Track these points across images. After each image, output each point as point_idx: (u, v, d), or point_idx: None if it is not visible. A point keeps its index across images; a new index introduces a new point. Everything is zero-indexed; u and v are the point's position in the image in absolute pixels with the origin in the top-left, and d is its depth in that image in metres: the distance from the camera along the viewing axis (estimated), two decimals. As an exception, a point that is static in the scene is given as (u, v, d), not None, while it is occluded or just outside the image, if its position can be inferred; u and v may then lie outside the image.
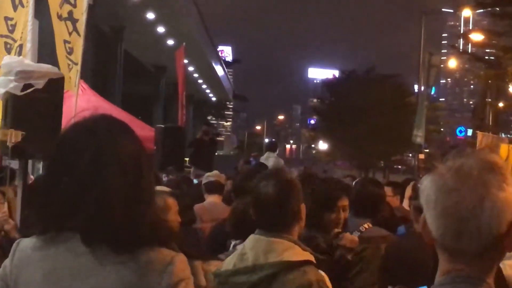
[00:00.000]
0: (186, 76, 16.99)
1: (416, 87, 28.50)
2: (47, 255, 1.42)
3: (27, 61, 4.55)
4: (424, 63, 17.53)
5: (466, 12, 31.48)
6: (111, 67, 20.79)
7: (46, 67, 4.12)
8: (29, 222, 3.71)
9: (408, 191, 5.65)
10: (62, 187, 1.42)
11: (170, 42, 21.64)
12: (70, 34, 5.59)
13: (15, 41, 5.23)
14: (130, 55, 23.28)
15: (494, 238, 1.19)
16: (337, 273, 3.17)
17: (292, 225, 2.32)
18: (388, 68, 70.22)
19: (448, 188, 1.23)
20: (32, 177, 6.56)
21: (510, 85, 25.63)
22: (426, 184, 1.27)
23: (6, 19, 5.34)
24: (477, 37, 27.51)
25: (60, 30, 5.58)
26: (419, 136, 13.66)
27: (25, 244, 1.48)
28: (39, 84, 3.86)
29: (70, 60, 5.61)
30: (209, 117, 48.89)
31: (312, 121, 69.16)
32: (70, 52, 5.61)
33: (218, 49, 43.17)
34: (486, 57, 28.99)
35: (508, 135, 30.06)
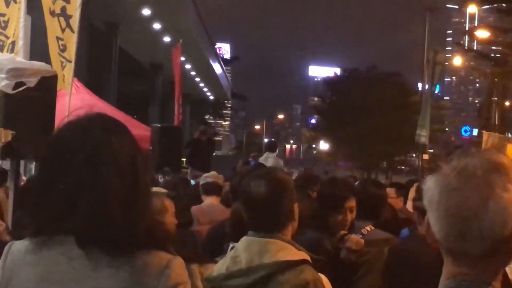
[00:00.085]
0: (183, 74, 16.98)
1: (420, 85, 28.53)
2: (40, 258, 1.42)
3: (19, 58, 4.54)
4: (429, 61, 17.53)
5: (472, 8, 31.49)
6: (106, 65, 20.77)
7: (38, 64, 4.11)
8: (21, 224, 3.71)
9: (412, 193, 5.65)
10: (55, 188, 1.41)
11: (167, 39, 21.62)
12: (63, 30, 5.58)
13: (7, 38, 5.23)
14: (126, 53, 23.25)
15: (498, 240, 1.19)
16: (342, 275, 3.18)
17: (285, 225, 2.33)
18: (390, 66, 70.32)
19: (451, 188, 1.23)
20: (24, 178, 6.56)
21: (516, 84, 25.67)
22: (430, 184, 1.27)
23: (-1, 15, 5.34)
24: (482, 34, 27.52)
25: (53, 26, 5.57)
26: (423, 136, 13.66)
27: (18, 247, 1.48)
28: (31, 82, 3.86)
29: (63, 57, 5.61)
30: (206, 116, 48.90)
31: (313, 121, 69.13)
32: (63, 49, 5.60)
33: (216, 47, 43.16)
34: (492, 55, 28.99)
35: (515, 135, 30.05)
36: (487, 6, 29.30)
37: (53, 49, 5.62)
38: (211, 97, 41.66)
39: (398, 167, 56.22)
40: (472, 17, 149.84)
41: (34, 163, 7.40)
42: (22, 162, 4.73)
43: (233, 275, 2.28)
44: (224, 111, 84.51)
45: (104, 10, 18.54)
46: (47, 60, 5.37)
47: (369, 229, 3.77)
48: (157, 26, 20.91)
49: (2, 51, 5.16)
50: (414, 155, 42.14)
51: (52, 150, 1.48)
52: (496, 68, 26.78)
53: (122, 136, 1.48)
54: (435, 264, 1.40)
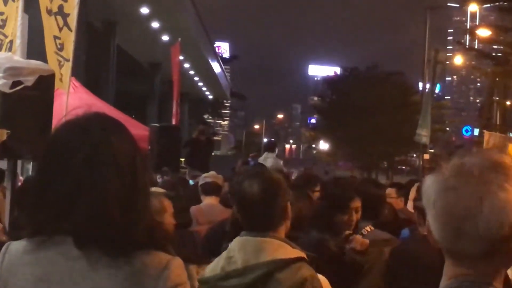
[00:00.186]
0: (181, 73, 16.98)
1: (420, 84, 28.53)
2: (38, 259, 1.42)
3: (16, 57, 4.54)
4: (429, 60, 17.54)
5: (473, 7, 31.48)
6: (104, 64, 20.75)
7: (35, 63, 4.11)
8: (18, 224, 3.71)
9: (413, 193, 5.65)
10: (54, 188, 1.41)
11: (165, 37, 21.61)
12: (60, 29, 5.57)
13: (6, 36, 5.22)
14: (124, 52, 23.24)
15: (496, 240, 1.18)
16: (347, 275, 3.19)
17: (279, 224, 2.35)
18: (391, 65, 70.34)
19: (448, 187, 1.23)
20: (21, 178, 6.55)
21: (518, 83, 25.67)
22: (428, 184, 1.27)
23: (-3, 14, 5.33)
24: (484, 32, 27.51)
25: (50, 25, 5.57)
26: (424, 135, 13.65)
27: (15, 247, 1.47)
28: (29, 81, 3.85)
29: (61, 56, 5.60)
30: (205, 116, 48.86)
31: (313, 120, 69.16)
32: (60, 48, 5.59)
33: (215, 45, 43.15)
34: (493, 54, 29.00)
35: (516, 135, 30.06)
36: (488, 5, 29.30)
37: (50, 48, 5.62)
38: (210, 97, 41.64)
39: (399, 167, 56.25)
40: (473, 15, 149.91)
41: (31, 163, 7.40)
42: (19, 162, 4.72)
43: (229, 275, 2.30)
44: (223, 111, 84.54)
45: (102, 8, 18.53)
46: (45, 59, 5.37)
47: (369, 230, 3.78)
48: (155, 24, 20.90)
49: (0, 50, 5.15)
50: (414, 155, 42.20)
51: (51, 149, 1.48)
52: (497, 67, 26.77)
53: (121, 136, 1.48)
54: (436, 265, 1.41)
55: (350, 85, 44.16)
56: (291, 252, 2.30)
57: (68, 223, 1.39)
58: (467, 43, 35.92)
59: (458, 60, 33.57)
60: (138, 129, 9.50)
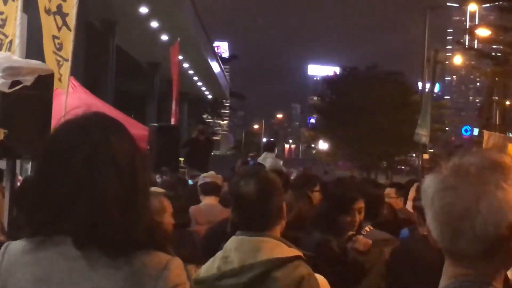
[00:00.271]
0: (181, 73, 16.98)
1: (420, 84, 28.55)
2: (38, 259, 1.42)
3: (15, 57, 4.54)
4: (429, 60, 17.55)
5: (472, 7, 31.52)
6: (103, 64, 20.76)
7: (34, 63, 4.11)
8: (17, 224, 3.71)
9: (412, 193, 5.66)
10: (53, 188, 1.41)
11: (164, 37, 21.60)
12: (59, 29, 5.57)
13: (6, 36, 5.21)
14: (123, 51, 23.24)
15: (494, 240, 1.18)
16: (349, 276, 3.19)
17: (274, 224, 2.37)
18: (390, 65, 70.33)
19: (445, 187, 1.23)
20: (20, 177, 6.55)
21: (517, 83, 25.68)
22: (426, 183, 1.27)
23: (-3, 13, 5.32)
24: (483, 32, 27.52)
25: (48, 25, 5.56)
26: (423, 135, 13.65)
27: (14, 247, 1.47)
28: (28, 81, 3.85)
29: (60, 56, 5.60)
30: (204, 116, 48.86)
31: (312, 120, 69.18)
32: (59, 48, 5.59)
33: (214, 45, 43.15)
34: (493, 54, 29.02)
35: (516, 135, 30.07)
36: (488, 5, 29.32)
37: (48, 48, 5.61)
38: (209, 96, 41.64)
39: (398, 167, 56.27)
40: (472, 15, 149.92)
41: (30, 162, 7.39)
42: (18, 162, 4.72)
43: (226, 275, 2.31)
44: (223, 111, 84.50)
45: (101, 8, 18.53)
46: (44, 59, 5.36)
47: (368, 229, 3.78)
48: (154, 24, 20.89)
49: (0, 50, 5.15)
50: (414, 155, 42.22)
51: (50, 149, 1.48)
52: (497, 67, 26.79)
53: (121, 136, 1.47)
54: (436, 265, 1.41)
55: (349, 85, 44.19)
56: (288, 251, 2.32)
57: (68, 223, 1.39)
58: (467, 43, 35.93)
59: (458, 60, 33.59)
60: (137, 129, 9.50)
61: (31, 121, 3.86)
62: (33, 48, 5.83)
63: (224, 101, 60.41)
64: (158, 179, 8.37)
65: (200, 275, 2.39)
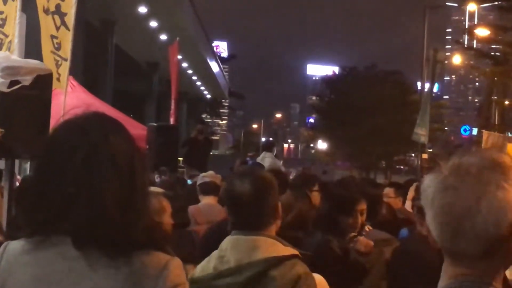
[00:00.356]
0: (179, 72, 16.98)
1: (419, 84, 28.56)
2: (37, 259, 1.41)
3: (14, 56, 4.53)
4: (428, 59, 17.56)
5: (471, 6, 31.53)
6: (102, 63, 20.77)
7: (33, 62, 4.10)
8: (16, 224, 3.70)
9: (411, 192, 5.67)
10: (52, 188, 1.41)
11: (163, 37, 21.61)
12: (58, 28, 5.56)
13: (6, 36, 5.21)
14: (122, 51, 23.26)
15: (494, 240, 1.18)
16: (350, 277, 3.19)
17: (270, 223, 2.37)
18: (389, 64, 70.33)
19: (445, 186, 1.23)
20: (19, 177, 6.55)
21: (516, 82, 25.69)
22: (426, 183, 1.27)
23: (-4, 13, 5.31)
24: (482, 32, 27.54)
25: (47, 24, 5.56)
26: (422, 135, 13.65)
27: (13, 247, 1.47)
28: (27, 80, 3.85)
29: (59, 56, 5.59)
30: (203, 115, 48.86)
31: (311, 120, 69.16)
32: (58, 47, 5.58)
33: (213, 45, 43.14)
34: (492, 53, 29.03)
35: (515, 134, 30.08)
36: (487, 4, 29.34)
37: (46, 47, 5.60)
38: (208, 96, 41.67)
39: (397, 166, 56.29)
40: (472, 15, 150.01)
41: (29, 162, 7.39)
42: (17, 162, 4.72)
43: (222, 274, 2.31)
44: (222, 110, 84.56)
45: (100, 7, 18.54)
46: (42, 59, 5.36)
47: (367, 230, 3.79)
48: (153, 24, 20.90)
49: (1, 50, 5.14)
50: (413, 154, 42.25)
51: (49, 149, 1.47)
52: (496, 66, 26.81)
53: (120, 136, 1.47)
54: (436, 264, 1.41)
55: (348, 84, 44.18)
56: (284, 250, 2.33)
57: (67, 223, 1.39)
58: (466, 43, 35.95)
59: (457, 59, 33.62)
60: (136, 129, 9.51)
61: (30, 121, 3.85)
62: (32, 47, 5.82)
63: (223, 100, 60.46)
64: (157, 178, 8.37)
65: (196, 275, 2.39)
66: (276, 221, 2.41)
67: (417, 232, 3.62)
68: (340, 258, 3.25)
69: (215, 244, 3.20)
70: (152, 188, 3.65)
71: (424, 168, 18.93)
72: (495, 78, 28.69)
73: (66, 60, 5.56)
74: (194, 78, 31.98)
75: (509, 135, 21.05)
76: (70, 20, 5.52)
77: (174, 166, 10.45)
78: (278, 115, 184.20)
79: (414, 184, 5.85)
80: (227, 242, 2.37)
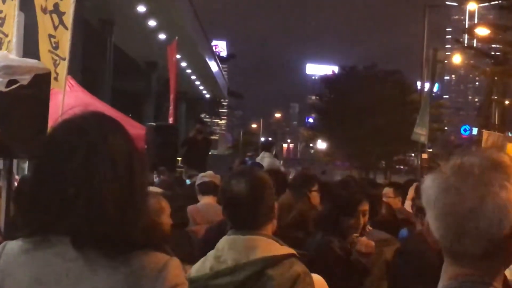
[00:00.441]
0: (178, 72, 16.97)
1: (419, 83, 28.57)
2: (35, 259, 1.41)
3: (12, 55, 4.53)
4: (428, 59, 17.57)
5: (471, 6, 31.56)
6: (100, 63, 20.75)
7: (31, 62, 4.10)
8: (14, 224, 3.70)
9: (411, 193, 5.67)
10: (51, 188, 1.41)
11: (162, 36, 21.60)
12: (55, 28, 5.56)
13: (6, 35, 5.20)
14: (120, 50, 23.24)
15: (497, 240, 1.19)
16: (352, 278, 3.19)
17: (266, 223, 2.38)
18: (389, 64, 70.35)
19: (448, 187, 1.23)
20: (17, 177, 6.55)
21: (517, 82, 25.71)
22: (427, 183, 1.27)
23: (-4, 12, 5.31)
24: (482, 31, 27.56)
25: (44, 23, 5.55)
26: (422, 135, 13.67)
27: (11, 247, 1.47)
28: (25, 80, 3.84)
29: (56, 55, 5.59)
30: (202, 115, 48.85)
31: (311, 120, 69.18)
32: (55, 47, 5.58)
33: (212, 44, 43.15)
34: (492, 53, 29.07)
35: (515, 134, 30.10)
36: (487, 3, 29.37)
37: (43, 47, 5.59)
38: (207, 96, 41.65)
39: (397, 166, 56.31)
40: (472, 14, 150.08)
41: (27, 162, 7.38)
42: (15, 161, 4.72)
43: (219, 274, 2.31)
44: (221, 110, 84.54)
45: (99, 6, 18.53)
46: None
47: (368, 230, 3.79)
48: (152, 23, 20.89)
49: (0, 49, 5.13)
50: (413, 154, 42.27)
51: (48, 149, 1.47)
52: (496, 66, 26.86)
53: (119, 135, 1.47)
54: (436, 265, 1.41)
55: (348, 84, 44.19)
56: (281, 249, 2.33)
57: (66, 223, 1.39)
58: (466, 42, 35.99)
59: (457, 59, 33.64)
60: (135, 128, 9.50)
61: (28, 120, 3.85)
62: (30, 46, 5.82)
63: (222, 100, 60.41)
64: (155, 178, 8.37)
65: (191, 275, 2.39)
66: (272, 220, 2.42)
67: (417, 232, 3.62)
68: (341, 259, 3.26)
69: (215, 244, 3.21)
70: (151, 188, 3.65)
71: (424, 168, 18.95)
72: (495, 78, 28.72)
73: (64, 59, 5.55)
74: (193, 77, 31.97)
75: (509, 134, 21.07)
76: (69, 19, 5.51)
77: (173, 166, 10.46)
78: (277, 115, 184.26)
79: (414, 184, 5.85)
80: (223, 242, 2.37)
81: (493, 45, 29.89)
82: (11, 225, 3.83)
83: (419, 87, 28.43)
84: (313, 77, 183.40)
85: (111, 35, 21.07)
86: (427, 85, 17.87)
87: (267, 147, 12.30)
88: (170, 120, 13.53)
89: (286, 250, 2.34)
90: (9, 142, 3.79)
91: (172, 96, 14.09)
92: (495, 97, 30.29)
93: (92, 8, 17.35)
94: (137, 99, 28.69)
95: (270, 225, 2.40)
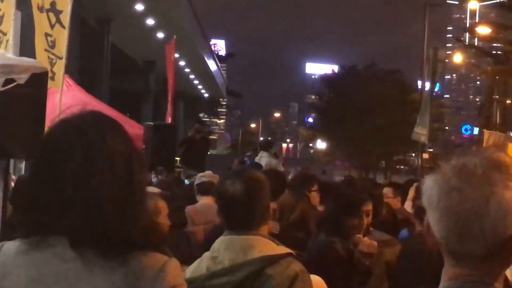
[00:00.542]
0: (176, 71, 16.97)
1: (419, 83, 28.59)
2: (32, 260, 1.41)
3: (9, 54, 4.53)
4: (428, 58, 17.57)
5: (472, 4, 31.59)
6: (98, 62, 20.73)
7: (28, 61, 4.10)
8: (11, 224, 3.70)
9: (411, 193, 5.67)
10: (49, 189, 1.41)
11: (160, 35, 21.59)
12: (52, 26, 5.55)
13: (4, 34, 5.19)
14: (118, 49, 23.21)
15: (500, 240, 1.19)
16: (355, 279, 3.19)
17: (261, 223, 2.40)
18: (389, 63, 70.37)
19: (451, 188, 1.23)
20: (14, 177, 6.54)
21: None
22: (428, 184, 1.27)
23: (-6, 11, 5.30)
24: (483, 30, 27.58)
25: (41, 22, 5.54)
26: (422, 134, 13.67)
27: (9, 248, 1.47)
28: (22, 79, 3.84)
29: (53, 54, 5.58)
30: (201, 115, 48.86)
31: (310, 119, 69.23)
32: (52, 45, 5.57)
33: (210, 43, 43.13)
34: (493, 52, 29.08)
35: (516, 134, 30.10)
36: (488, 2, 29.36)
37: (40, 46, 5.58)
38: (206, 95, 41.63)
39: (397, 166, 56.33)
40: (472, 13, 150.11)
41: (24, 162, 7.38)
42: (12, 161, 4.72)
43: (216, 274, 2.32)
44: (219, 109, 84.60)
45: (96, 5, 18.51)
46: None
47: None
48: (150, 22, 20.87)
49: (-1, 48, 5.13)
50: (413, 154, 42.28)
51: (46, 149, 1.47)
52: (497, 65, 26.86)
53: (117, 135, 1.47)
54: (437, 265, 1.41)
55: (348, 83, 44.18)
56: (278, 249, 2.35)
57: (63, 223, 1.39)
58: (467, 41, 36.01)
59: (458, 58, 33.67)
60: (133, 128, 9.50)
61: (25, 120, 3.85)
62: (27, 45, 5.82)
63: (221, 99, 60.44)
64: (154, 178, 8.36)
65: (187, 276, 2.39)
66: (267, 221, 2.43)
67: (417, 232, 3.63)
68: (343, 260, 3.26)
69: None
70: (149, 188, 3.65)
71: (424, 168, 18.94)
72: (496, 77, 28.72)
73: (61, 58, 5.55)
74: (192, 76, 31.95)
75: (511, 134, 21.07)
76: (66, 18, 5.51)
77: (171, 165, 10.45)
78: (277, 114, 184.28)
79: (415, 184, 5.86)
80: (219, 243, 2.38)
81: (494, 44, 29.88)
82: (8, 226, 3.83)
83: (419, 87, 28.48)
84: (312, 77, 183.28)
85: (108, 34, 21.06)
86: (427, 85, 17.87)
87: (265, 146, 12.30)
88: (169, 120, 13.53)
89: (283, 249, 2.35)
90: (6, 142, 3.79)
91: (170, 95, 14.09)
92: (496, 97, 30.29)
93: (90, 6, 17.34)
94: (135, 98, 28.66)
95: (266, 226, 2.42)
